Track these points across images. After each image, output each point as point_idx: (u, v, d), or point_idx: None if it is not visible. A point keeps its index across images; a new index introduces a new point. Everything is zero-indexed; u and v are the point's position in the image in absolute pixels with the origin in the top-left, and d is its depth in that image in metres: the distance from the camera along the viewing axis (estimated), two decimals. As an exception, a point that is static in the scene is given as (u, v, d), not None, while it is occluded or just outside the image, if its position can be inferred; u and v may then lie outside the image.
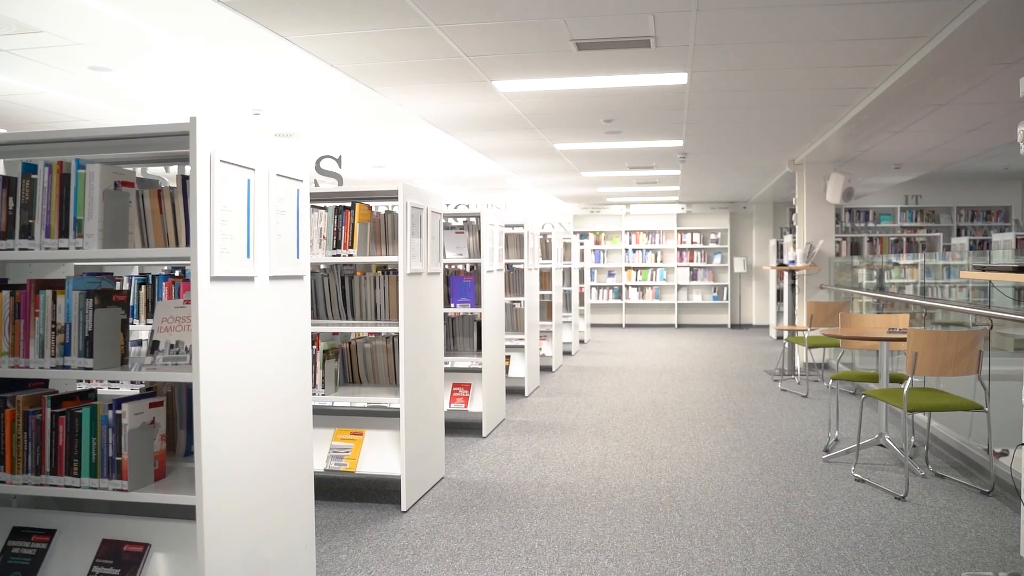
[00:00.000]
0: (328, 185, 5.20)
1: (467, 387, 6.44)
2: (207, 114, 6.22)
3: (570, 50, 5.12)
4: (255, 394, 2.78)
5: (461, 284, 6.29)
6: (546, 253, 10.10)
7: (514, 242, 8.48)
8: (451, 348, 6.69)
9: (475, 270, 6.70)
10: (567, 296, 11.89)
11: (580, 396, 8.10)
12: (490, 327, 6.42)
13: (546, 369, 10.00)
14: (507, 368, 8.24)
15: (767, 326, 16.62)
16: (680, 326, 17.13)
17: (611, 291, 17.33)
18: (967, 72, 5.61)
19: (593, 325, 17.36)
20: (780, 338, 13.88)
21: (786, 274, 12.36)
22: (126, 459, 2.59)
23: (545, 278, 10.15)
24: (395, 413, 4.53)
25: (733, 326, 16.91)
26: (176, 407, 3.07)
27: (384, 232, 4.59)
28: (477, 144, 8.93)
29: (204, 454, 2.49)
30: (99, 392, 3.01)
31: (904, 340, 4.85)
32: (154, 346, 2.72)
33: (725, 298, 16.93)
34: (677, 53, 5.22)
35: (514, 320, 8.43)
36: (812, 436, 6.14)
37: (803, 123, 7.78)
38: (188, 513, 2.58)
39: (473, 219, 6.69)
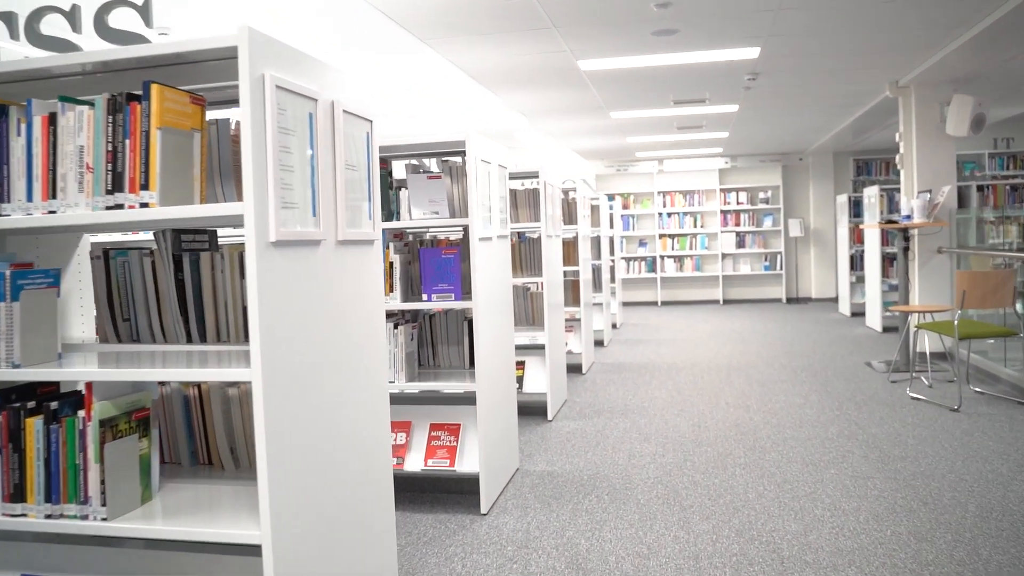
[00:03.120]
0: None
1: (454, 430, 3.99)
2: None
3: None
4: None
5: (437, 262, 3.82)
6: (569, 217, 7.62)
7: (525, 200, 6.00)
8: (429, 363, 4.24)
9: (461, 239, 4.23)
10: (596, 272, 9.43)
11: (626, 417, 5.63)
12: (489, 329, 3.96)
13: (574, 371, 7.55)
14: (520, 381, 5.78)
15: (832, 299, 14.05)
16: (726, 302, 14.60)
17: (643, 263, 14.82)
18: None
19: (624, 304, 14.86)
20: (851, 313, 11.34)
21: (875, 236, 9.80)
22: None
23: (569, 249, 7.68)
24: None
25: (789, 300, 14.36)
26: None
27: (229, 162, 2.17)
28: (466, 61, 6.41)
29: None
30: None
31: None
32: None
33: (779, 268, 14.38)
34: None
35: (528, 310, 5.97)
36: (1019, 489, 3.68)
37: (927, 23, 5.22)
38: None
39: (455, 155, 4.22)
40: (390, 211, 4.00)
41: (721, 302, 14.54)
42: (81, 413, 2.01)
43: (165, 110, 1.92)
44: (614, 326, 11.11)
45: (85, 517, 2.01)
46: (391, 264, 3.81)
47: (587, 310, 7.65)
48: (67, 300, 2.68)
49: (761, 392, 6.27)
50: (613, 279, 10.94)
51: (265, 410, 1.84)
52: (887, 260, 9.80)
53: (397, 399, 4.14)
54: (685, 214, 14.65)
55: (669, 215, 14.71)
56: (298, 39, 5.54)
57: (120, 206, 1.94)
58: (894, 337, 9.15)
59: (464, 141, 3.79)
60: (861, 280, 11.62)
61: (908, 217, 7.16)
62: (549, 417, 5.61)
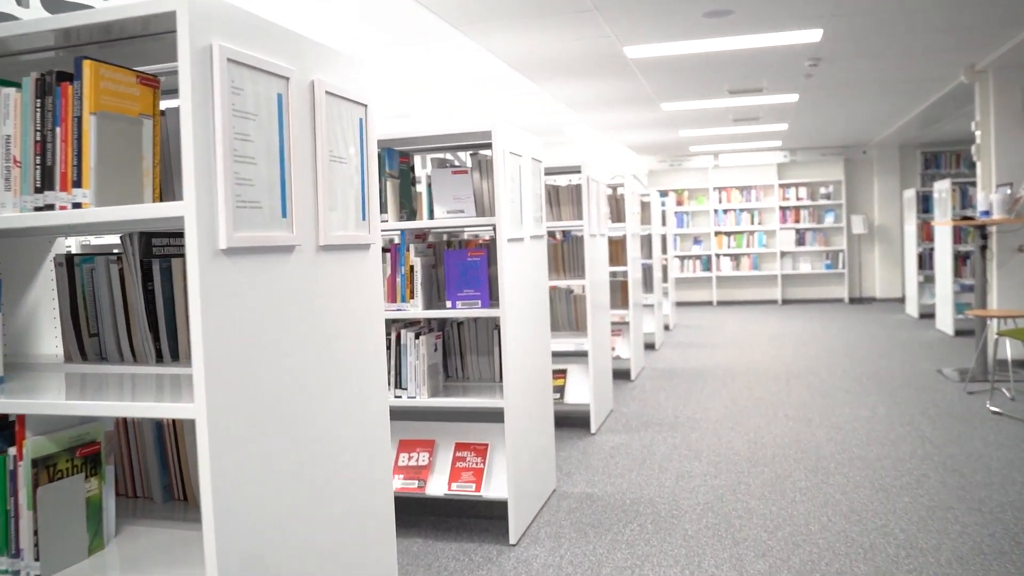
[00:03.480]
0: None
1: (481, 451, 3.63)
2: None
3: None
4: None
5: (463, 266, 3.47)
6: (618, 214, 7.21)
7: (568, 197, 5.62)
8: (458, 375, 3.90)
9: (490, 241, 3.88)
10: (647, 272, 8.99)
11: (676, 430, 5.22)
12: (519, 339, 3.59)
13: (621, 377, 7.15)
14: (561, 391, 5.41)
15: (898, 300, 13.37)
16: (785, 302, 13.99)
17: (698, 262, 14.29)
18: None
19: (678, 304, 14.36)
20: (919, 315, 10.69)
21: (949, 234, 9.18)
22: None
23: (617, 248, 7.27)
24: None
25: (852, 301, 13.69)
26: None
27: (168, 152, 1.86)
28: (501, 48, 6.06)
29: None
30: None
31: None
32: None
33: (841, 266, 13.72)
34: None
35: (570, 313, 5.59)
36: None
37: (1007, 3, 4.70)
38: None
39: (482, 147, 3.87)
40: (412, 210, 3.67)
41: (780, 302, 13.94)
42: (12, 451, 1.71)
43: (102, 91, 1.60)
44: (667, 328, 10.66)
45: (16, 574, 1.71)
46: (411, 268, 3.47)
47: (636, 312, 7.24)
48: (35, 312, 2.39)
49: (823, 403, 5.79)
50: (666, 279, 10.49)
51: (211, 455, 1.50)
52: (960, 259, 9.16)
53: (419, 415, 3.82)
54: (742, 211, 14.09)
55: (725, 212, 14.16)
56: (330, 34, 5.26)
57: (51, 206, 1.63)
58: (967, 342, 8.53)
59: (490, 132, 3.43)
60: (930, 280, 10.96)
61: (986, 213, 6.59)
62: (592, 430, 5.22)
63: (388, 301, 3.52)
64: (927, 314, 10.96)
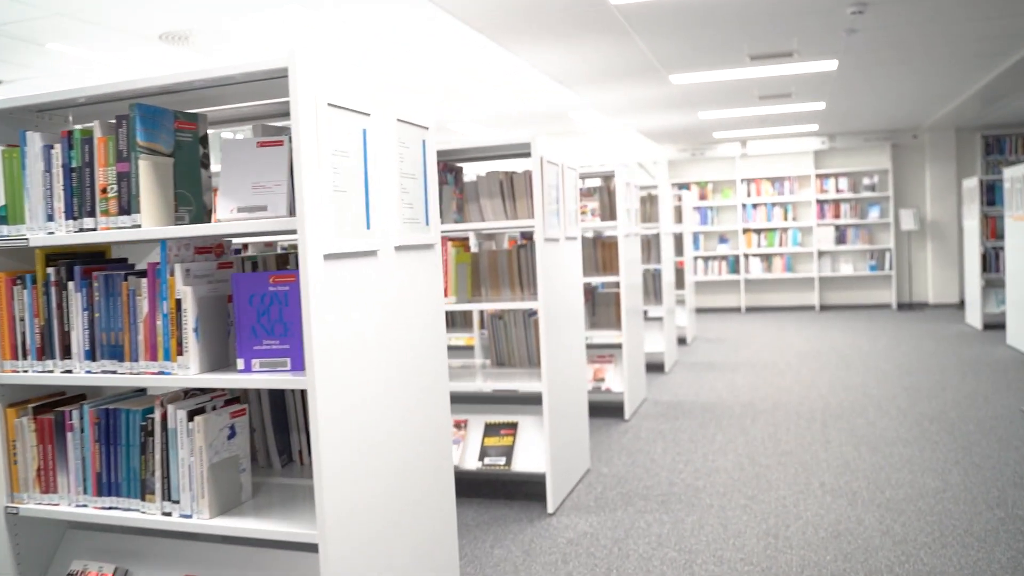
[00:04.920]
0: None
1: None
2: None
3: None
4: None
5: (262, 300, 2.05)
6: (607, 211, 5.77)
7: (523, 190, 4.19)
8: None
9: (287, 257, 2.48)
10: (654, 278, 7.51)
11: (667, 509, 3.75)
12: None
13: (611, 415, 5.70)
14: (508, 455, 3.96)
15: (955, 306, 11.72)
16: (823, 308, 12.39)
17: (724, 263, 12.73)
18: None
19: (699, 310, 12.82)
20: (983, 325, 9.05)
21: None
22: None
23: (608, 253, 5.84)
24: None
25: (900, 307, 12.05)
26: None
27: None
28: (459, 5, 4.64)
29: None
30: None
31: None
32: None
33: (887, 267, 12.08)
34: None
35: (529, 341, 4.18)
36: None
37: None
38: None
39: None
40: (199, 206, 2.26)
41: (817, 308, 12.34)
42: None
43: None
44: (682, 342, 9.15)
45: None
46: (178, 303, 2.06)
47: (634, 330, 5.78)
48: None
49: (873, 464, 4.29)
50: (683, 284, 8.98)
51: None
52: (1038, 261, 7.55)
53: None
54: (774, 205, 12.50)
55: (754, 207, 12.59)
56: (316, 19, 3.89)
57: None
58: (1051, 364, 6.93)
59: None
60: (997, 284, 9.32)
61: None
62: (550, 509, 3.78)
63: (147, 358, 2.12)
64: (994, 324, 9.33)
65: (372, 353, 2.16)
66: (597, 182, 6.52)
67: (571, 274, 4.28)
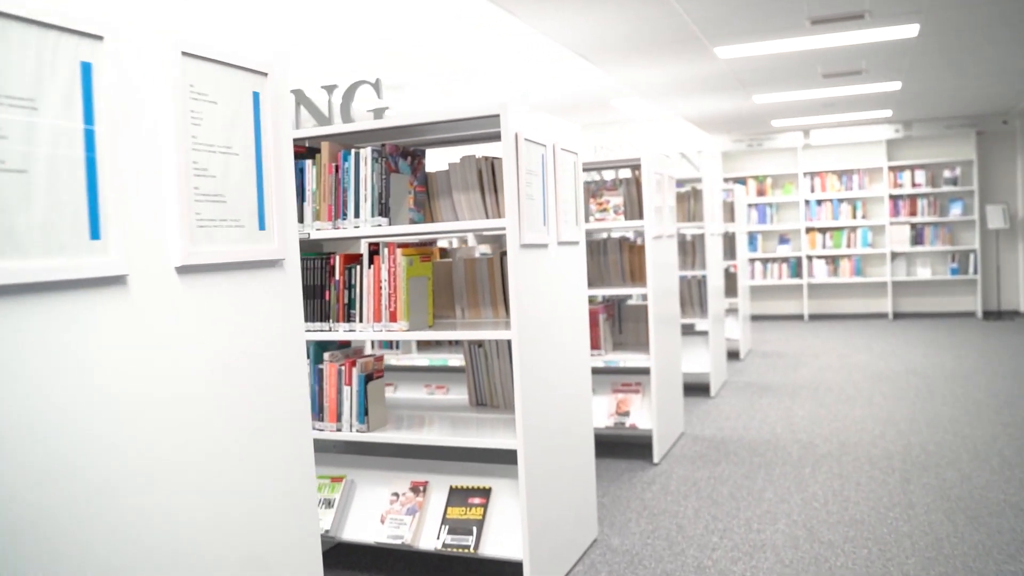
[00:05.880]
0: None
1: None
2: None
3: None
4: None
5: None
6: (635, 208, 4.75)
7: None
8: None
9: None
10: (698, 286, 6.44)
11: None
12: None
13: (639, 456, 4.68)
14: (478, 534, 2.96)
15: (1050, 314, 10.32)
16: (897, 316, 11.09)
17: (784, 266, 11.52)
18: None
19: (756, 317, 11.64)
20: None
21: None
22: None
23: (635, 258, 4.84)
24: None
25: (987, 315, 10.68)
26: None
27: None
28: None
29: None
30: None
31: None
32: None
33: (971, 271, 10.73)
34: None
35: (504, 380, 3.20)
36: None
37: None
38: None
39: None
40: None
41: (890, 317, 11.05)
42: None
43: None
44: (734, 357, 8.03)
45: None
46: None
47: (666, 351, 4.74)
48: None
49: (975, 544, 3.19)
50: (735, 290, 7.87)
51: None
52: None
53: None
54: (841, 201, 11.25)
55: (819, 203, 11.35)
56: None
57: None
58: None
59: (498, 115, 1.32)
60: (1107, 292, 7.98)
61: None
62: (529, 608, 2.79)
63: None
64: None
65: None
66: (623, 173, 5.48)
67: (569, 288, 3.28)
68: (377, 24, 5.12)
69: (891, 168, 11.01)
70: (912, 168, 10.93)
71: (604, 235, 6.27)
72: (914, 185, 10.91)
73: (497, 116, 2.76)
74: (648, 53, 6.12)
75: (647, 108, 9.07)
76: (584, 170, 5.10)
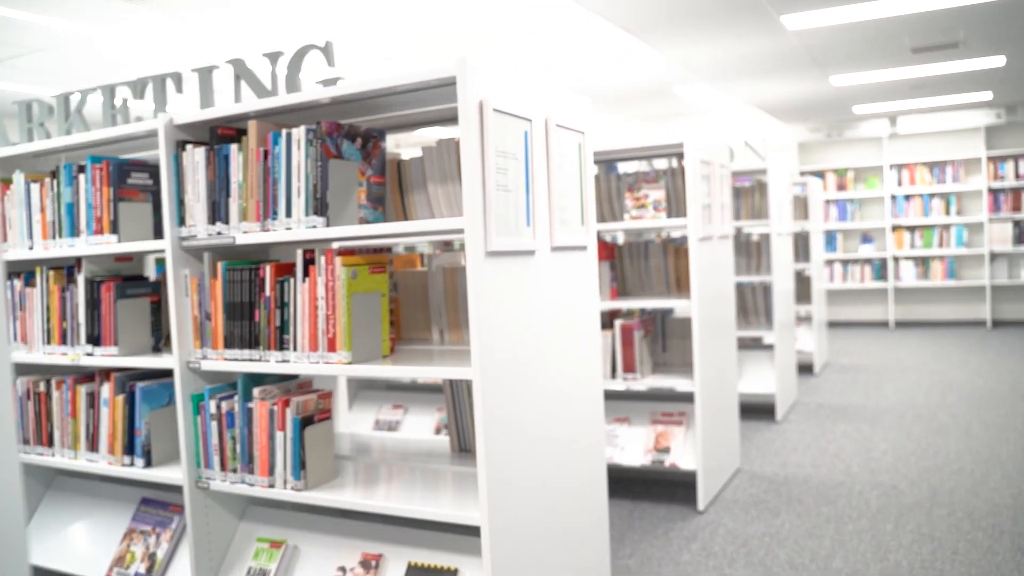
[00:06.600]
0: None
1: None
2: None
3: None
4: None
5: None
6: (679, 204, 3.99)
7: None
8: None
9: None
10: (764, 293, 5.61)
11: None
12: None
13: (681, 500, 3.90)
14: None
15: None
16: (996, 324, 9.93)
17: (868, 268, 10.46)
18: None
19: (834, 324, 10.62)
20: None
21: None
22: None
23: (680, 263, 4.09)
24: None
25: (1103, 323, 9.45)
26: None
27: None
28: None
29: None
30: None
31: None
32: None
33: (1085, 273, 9.50)
34: None
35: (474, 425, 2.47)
36: None
37: None
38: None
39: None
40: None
41: (989, 325, 9.90)
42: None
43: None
44: (807, 371, 7.12)
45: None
46: None
47: (715, 372, 3.95)
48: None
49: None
50: (809, 296, 6.97)
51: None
52: None
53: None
54: (932, 196, 10.14)
55: (907, 198, 10.26)
56: None
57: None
58: None
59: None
60: None
61: None
62: None
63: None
64: None
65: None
66: (666, 163, 4.69)
67: (572, 305, 2.54)
68: (432, 12, 4.47)
69: (990, 158, 9.85)
70: (1016, 158, 9.75)
71: (652, 236, 5.50)
72: (1017, 177, 9.74)
73: (452, 77, 2.05)
74: (702, 25, 5.31)
75: (713, 95, 8.21)
76: (619, 160, 4.34)
